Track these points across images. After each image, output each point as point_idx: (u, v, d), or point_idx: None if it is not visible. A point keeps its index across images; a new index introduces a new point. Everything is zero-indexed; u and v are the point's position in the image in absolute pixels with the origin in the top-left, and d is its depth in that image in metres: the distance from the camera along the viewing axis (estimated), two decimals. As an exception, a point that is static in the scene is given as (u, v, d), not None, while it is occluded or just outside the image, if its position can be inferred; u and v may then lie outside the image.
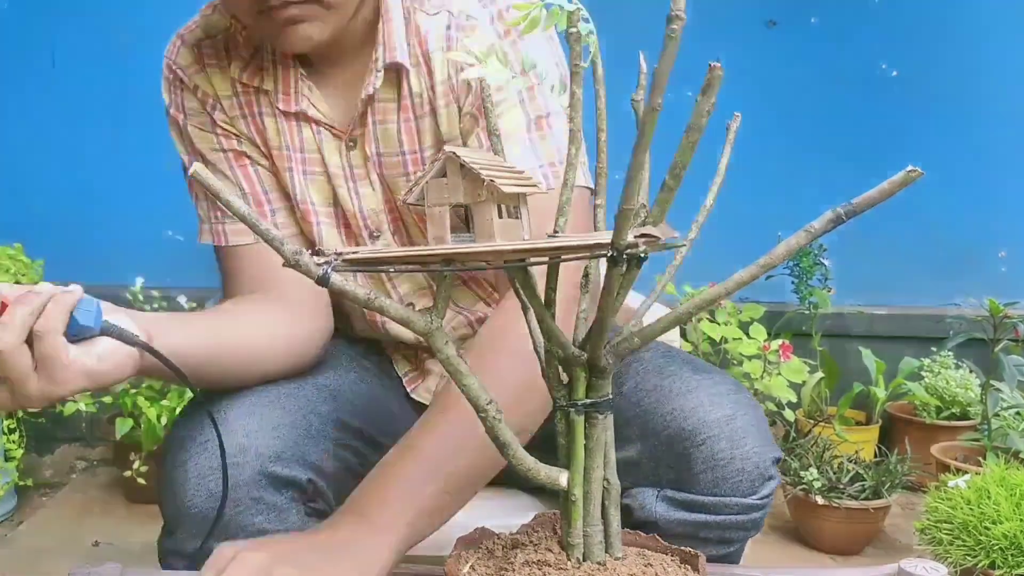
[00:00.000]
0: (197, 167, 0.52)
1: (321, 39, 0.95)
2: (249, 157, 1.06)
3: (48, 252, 2.35)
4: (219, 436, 0.86)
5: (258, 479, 0.88)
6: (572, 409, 0.65)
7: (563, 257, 0.62)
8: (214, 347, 0.91)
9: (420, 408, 1.16)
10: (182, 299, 2.30)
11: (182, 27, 1.10)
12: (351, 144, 1.04)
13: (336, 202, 1.07)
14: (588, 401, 0.65)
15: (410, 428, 1.12)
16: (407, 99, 1.01)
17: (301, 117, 1.04)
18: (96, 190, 2.55)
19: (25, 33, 2.52)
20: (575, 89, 0.66)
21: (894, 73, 2.62)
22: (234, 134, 1.06)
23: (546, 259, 0.65)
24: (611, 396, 0.65)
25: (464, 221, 0.64)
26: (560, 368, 0.67)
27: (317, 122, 1.04)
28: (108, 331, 0.76)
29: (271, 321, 0.98)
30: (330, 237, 1.08)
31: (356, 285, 0.57)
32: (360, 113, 1.02)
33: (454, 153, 0.60)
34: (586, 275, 0.70)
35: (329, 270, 0.54)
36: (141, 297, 2.26)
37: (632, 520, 0.98)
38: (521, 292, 0.66)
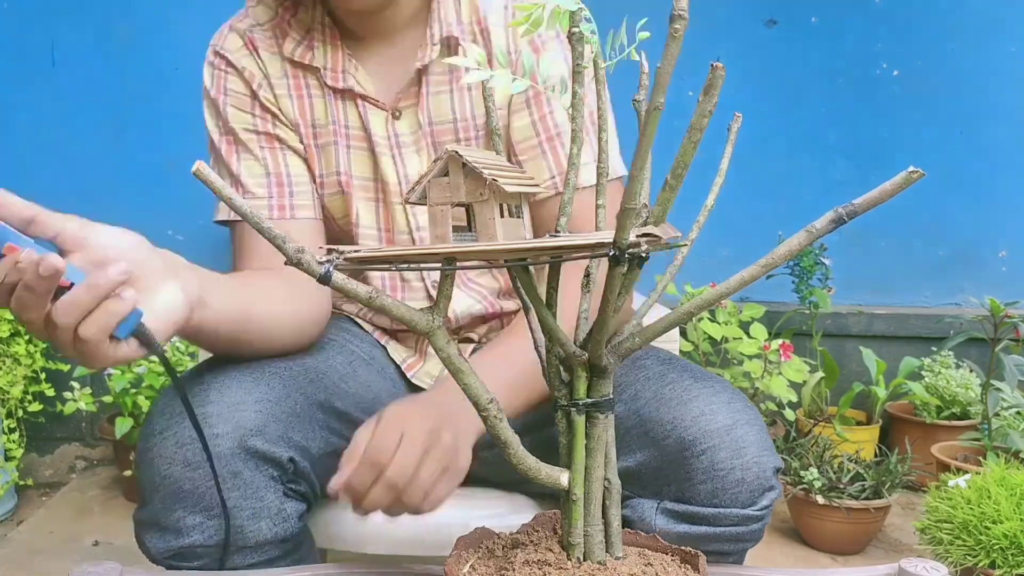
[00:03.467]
0: (199, 164, 0.52)
1: (382, 2, 1.04)
2: (280, 141, 1.13)
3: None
4: (190, 411, 0.86)
5: (237, 452, 0.87)
6: (573, 408, 0.65)
7: (564, 257, 0.63)
8: (245, 313, 0.93)
9: (416, 389, 1.16)
10: (182, 299, 2.30)
11: (231, 19, 1.18)
12: (397, 114, 1.12)
13: (377, 176, 1.14)
14: (589, 400, 0.65)
15: None
16: (461, 71, 1.10)
17: (347, 94, 1.12)
18: (96, 188, 2.55)
19: (25, 32, 2.52)
20: (576, 89, 0.66)
21: (895, 72, 2.62)
22: (271, 115, 1.12)
23: (548, 258, 0.65)
24: (612, 396, 0.65)
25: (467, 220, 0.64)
26: (561, 368, 0.67)
27: (363, 97, 1.11)
28: (139, 335, 0.78)
29: (284, 295, 1.00)
30: (366, 213, 1.15)
31: (357, 284, 0.57)
32: (411, 85, 1.11)
33: (456, 152, 0.60)
34: (587, 275, 0.70)
35: (331, 268, 0.55)
36: (141, 297, 2.26)
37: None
38: (523, 292, 0.66)
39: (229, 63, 1.12)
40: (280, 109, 1.13)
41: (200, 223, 2.49)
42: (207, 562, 0.89)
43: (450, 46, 1.11)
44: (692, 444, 0.92)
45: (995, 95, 2.62)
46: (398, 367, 1.18)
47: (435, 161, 0.62)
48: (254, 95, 1.12)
